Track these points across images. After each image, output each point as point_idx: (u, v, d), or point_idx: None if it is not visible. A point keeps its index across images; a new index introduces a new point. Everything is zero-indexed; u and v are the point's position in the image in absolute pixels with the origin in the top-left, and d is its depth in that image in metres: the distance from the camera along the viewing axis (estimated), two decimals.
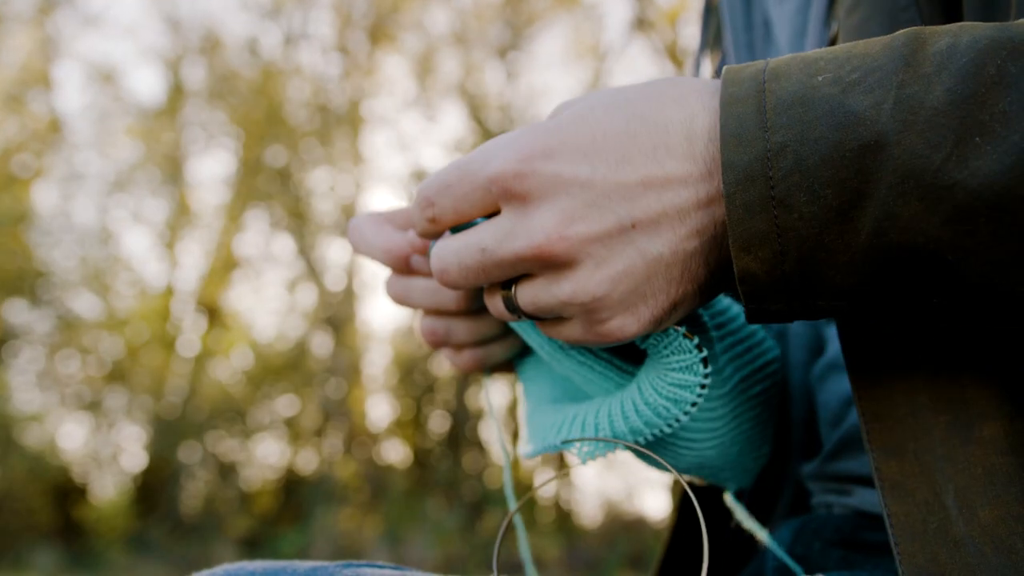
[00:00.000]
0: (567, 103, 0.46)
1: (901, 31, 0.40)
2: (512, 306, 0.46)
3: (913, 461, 0.42)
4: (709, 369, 0.46)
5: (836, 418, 0.63)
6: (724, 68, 0.42)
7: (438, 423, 8.65)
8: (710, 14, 0.80)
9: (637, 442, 0.50)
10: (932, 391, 0.43)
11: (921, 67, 0.37)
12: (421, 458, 8.57)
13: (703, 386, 0.47)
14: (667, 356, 0.47)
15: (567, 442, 0.52)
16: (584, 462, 0.52)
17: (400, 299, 0.58)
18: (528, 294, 0.44)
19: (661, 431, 0.49)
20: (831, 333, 0.65)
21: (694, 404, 0.47)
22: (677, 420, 0.48)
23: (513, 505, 0.59)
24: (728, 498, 0.61)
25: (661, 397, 0.47)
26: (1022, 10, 0.43)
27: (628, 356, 0.54)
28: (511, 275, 0.44)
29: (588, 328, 0.44)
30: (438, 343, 0.58)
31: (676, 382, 0.47)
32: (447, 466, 8.29)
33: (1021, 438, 0.41)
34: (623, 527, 7.78)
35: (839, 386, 0.63)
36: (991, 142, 0.35)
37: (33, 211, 9.00)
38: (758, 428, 0.58)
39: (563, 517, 8.04)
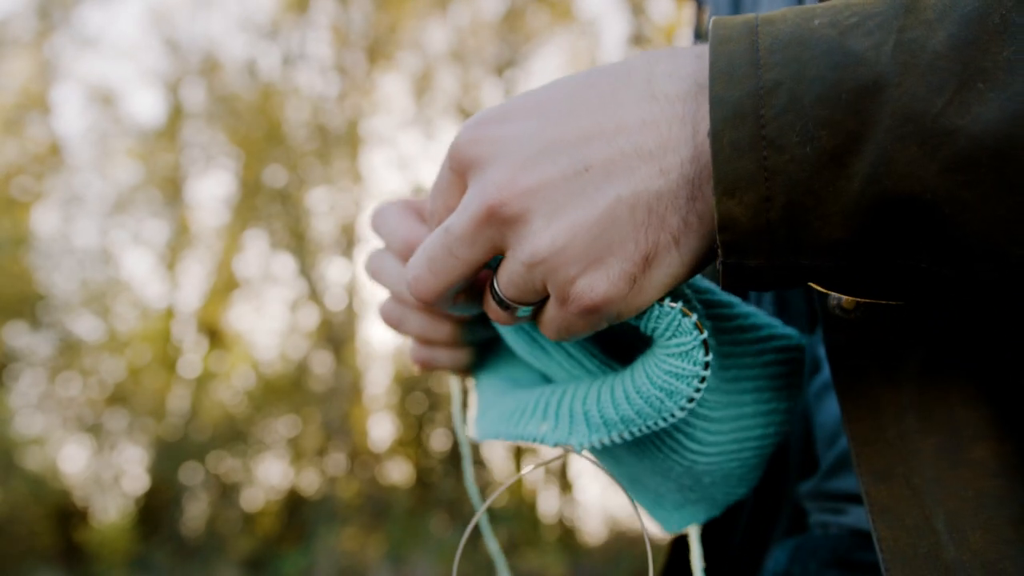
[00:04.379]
0: None
1: None
2: (499, 298, 0.43)
3: (903, 485, 0.41)
4: (709, 357, 0.42)
5: (832, 437, 0.63)
6: (712, 19, 0.40)
7: (440, 441, 8.62)
8: (699, 39, 0.80)
9: (631, 432, 0.45)
10: (921, 414, 0.42)
11: (923, 14, 0.36)
12: (423, 477, 8.54)
13: (702, 379, 0.42)
14: (667, 338, 0.42)
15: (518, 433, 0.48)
16: (579, 451, 0.47)
17: (394, 324, 0.57)
18: (504, 276, 0.42)
19: (656, 424, 0.44)
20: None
21: (691, 400, 0.43)
22: (672, 415, 0.43)
23: (478, 504, 0.54)
24: (693, 535, 0.57)
25: (655, 387, 0.43)
26: None
27: (625, 355, 0.49)
28: (480, 255, 0.42)
29: (562, 299, 0.41)
30: (392, 325, 0.57)
31: (672, 370, 0.42)
32: (449, 484, 8.26)
33: (1011, 460, 0.40)
34: (627, 543, 7.74)
35: (835, 405, 0.62)
36: (994, 89, 0.34)
37: (33, 234, 9.01)
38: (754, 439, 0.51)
39: (567, 534, 8.00)
